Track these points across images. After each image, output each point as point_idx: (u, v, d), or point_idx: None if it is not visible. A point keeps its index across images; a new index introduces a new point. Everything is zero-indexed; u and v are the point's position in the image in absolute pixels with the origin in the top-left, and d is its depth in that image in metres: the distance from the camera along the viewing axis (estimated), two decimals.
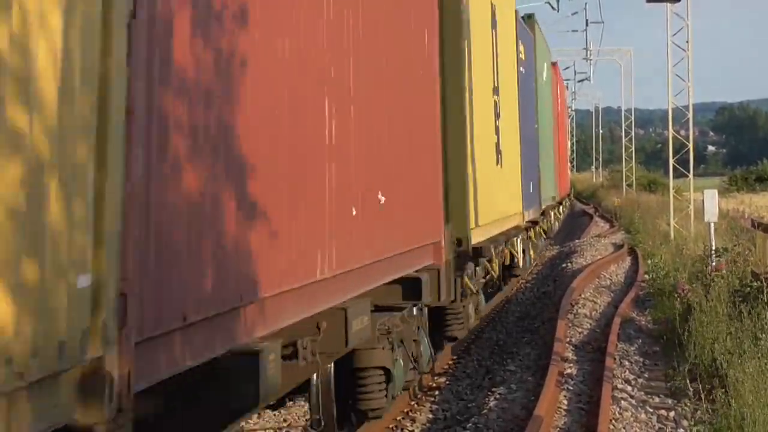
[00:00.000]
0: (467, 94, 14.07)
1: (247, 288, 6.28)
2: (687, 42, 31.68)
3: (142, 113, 4.77)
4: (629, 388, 12.96)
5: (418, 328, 12.05)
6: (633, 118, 67.61)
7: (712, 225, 21.78)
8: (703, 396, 11.59)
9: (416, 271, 11.07)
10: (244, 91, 6.09)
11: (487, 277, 18.47)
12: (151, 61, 4.89)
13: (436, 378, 14.70)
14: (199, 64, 5.47)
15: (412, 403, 13.21)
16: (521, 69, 23.89)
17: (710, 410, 11.21)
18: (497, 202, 18.11)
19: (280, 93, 6.78)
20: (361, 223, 8.69)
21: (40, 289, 3.92)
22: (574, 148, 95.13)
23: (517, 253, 22.10)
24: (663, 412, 11.81)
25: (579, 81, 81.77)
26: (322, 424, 9.50)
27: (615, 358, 14.54)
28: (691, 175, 32.27)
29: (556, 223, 42.37)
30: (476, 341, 17.91)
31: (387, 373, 10.63)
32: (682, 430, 11.11)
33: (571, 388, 13.08)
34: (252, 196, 6.24)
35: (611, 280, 25.26)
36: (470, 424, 11.58)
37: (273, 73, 6.61)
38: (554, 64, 39.47)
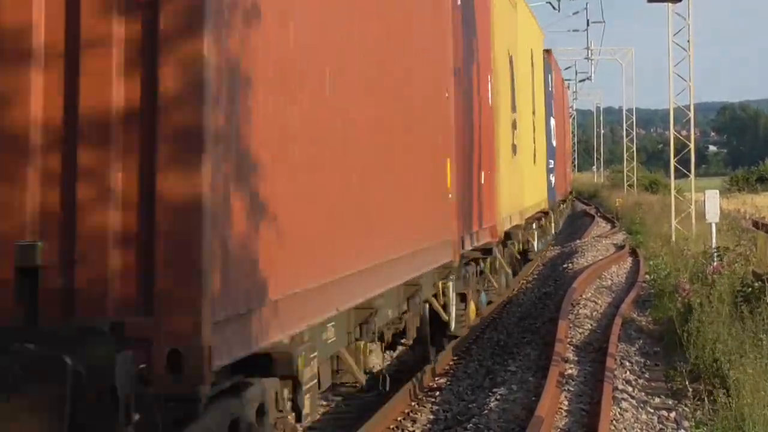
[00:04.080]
0: None
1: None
2: (688, 42, 31.68)
3: None
4: (630, 389, 12.95)
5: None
6: (634, 118, 67.57)
7: (714, 225, 21.77)
8: (704, 396, 11.58)
9: None
10: None
11: None
12: None
13: (436, 378, 14.70)
14: None
15: (413, 403, 13.20)
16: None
17: (711, 411, 11.20)
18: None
19: None
20: None
21: None
22: (575, 148, 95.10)
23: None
24: (664, 412, 11.80)
25: (580, 81, 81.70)
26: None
27: (616, 359, 14.52)
28: (692, 176, 32.24)
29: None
30: (477, 341, 17.90)
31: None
32: (683, 430, 11.10)
33: (572, 388, 13.07)
34: None
35: (612, 280, 25.25)
36: (471, 425, 11.56)
37: None
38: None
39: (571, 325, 17.65)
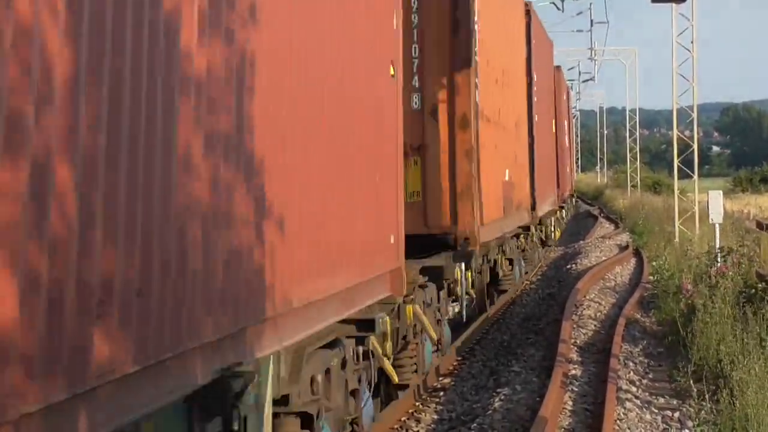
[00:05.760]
0: None
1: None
2: (692, 42, 31.70)
3: None
4: (634, 389, 12.97)
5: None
6: (638, 119, 67.60)
7: (717, 226, 21.79)
8: (707, 397, 11.60)
9: None
10: None
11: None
12: None
13: (440, 379, 14.72)
14: None
15: (417, 403, 13.23)
16: None
17: (715, 411, 11.22)
18: None
19: None
20: None
21: None
22: (578, 148, 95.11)
23: None
24: (668, 412, 11.83)
25: (583, 81, 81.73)
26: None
27: (619, 359, 14.55)
28: (695, 176, 32.25)
29: None
30: (481, 342, 17.93)
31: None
32: (686, 430, 11.12)
33: (576, 389, 13.09)
34: None
35: (616, 281, 25.26)
36: (475, 425, 11.59)
37: None
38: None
39: (575, 325, 17.67)
